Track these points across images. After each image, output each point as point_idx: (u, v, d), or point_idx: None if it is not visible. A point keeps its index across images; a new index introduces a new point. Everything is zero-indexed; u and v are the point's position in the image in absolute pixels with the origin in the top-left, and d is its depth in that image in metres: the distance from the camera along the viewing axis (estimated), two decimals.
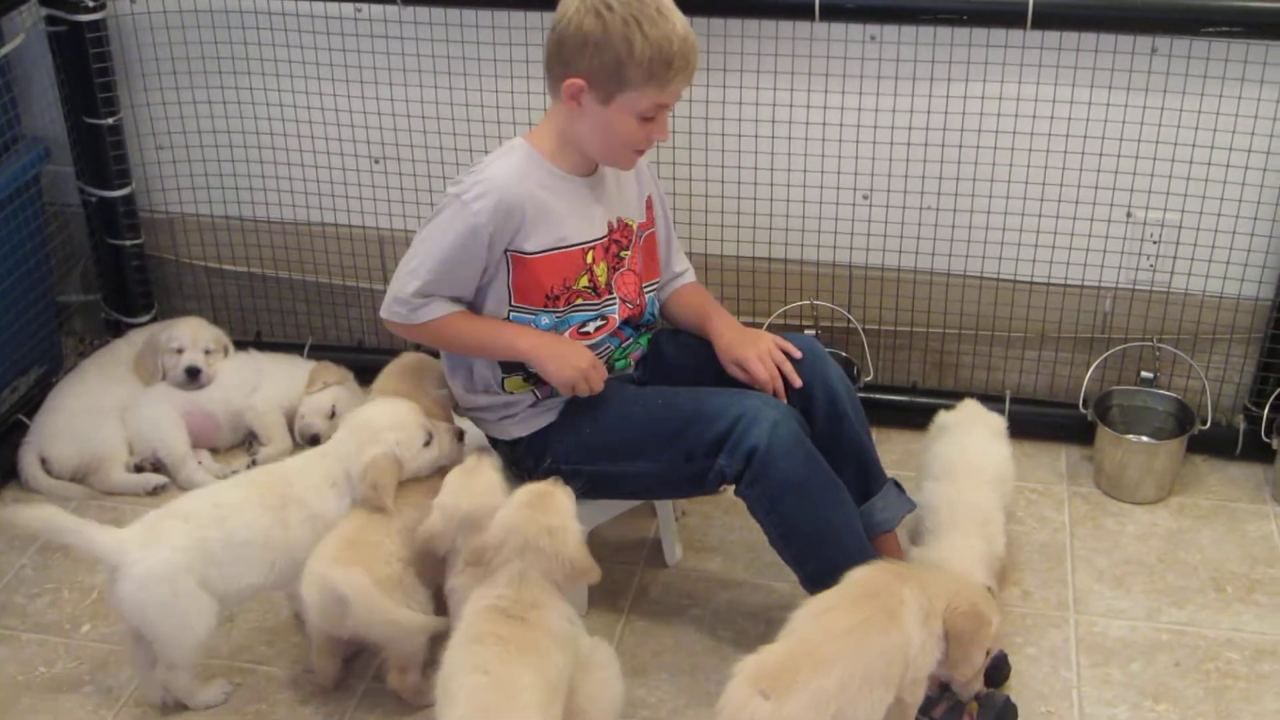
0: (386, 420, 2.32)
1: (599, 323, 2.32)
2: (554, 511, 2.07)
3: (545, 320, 2.28)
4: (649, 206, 2.41)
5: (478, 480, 2.21)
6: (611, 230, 2.32)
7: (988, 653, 2.08)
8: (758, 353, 2.32)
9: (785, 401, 2.29)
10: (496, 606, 1.99)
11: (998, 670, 2.26)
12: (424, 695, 2.21)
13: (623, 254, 2.34)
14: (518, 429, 2.36)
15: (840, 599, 2.00)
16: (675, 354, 2.46)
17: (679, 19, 2.15)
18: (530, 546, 2.03)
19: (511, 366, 2.31)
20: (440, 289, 2.24)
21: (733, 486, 2.23)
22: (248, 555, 2.21)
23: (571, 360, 2.24)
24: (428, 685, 2.20)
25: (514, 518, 2.06)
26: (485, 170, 2.22)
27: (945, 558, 2.30)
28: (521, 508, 2.07)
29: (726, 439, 2.17)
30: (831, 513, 2.19)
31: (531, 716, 1.87)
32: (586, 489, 2.31)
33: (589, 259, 2.28)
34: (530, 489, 2.10)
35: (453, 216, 2.20)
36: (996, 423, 2.60)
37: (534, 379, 2.31)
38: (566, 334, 2.29)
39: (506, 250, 2.22)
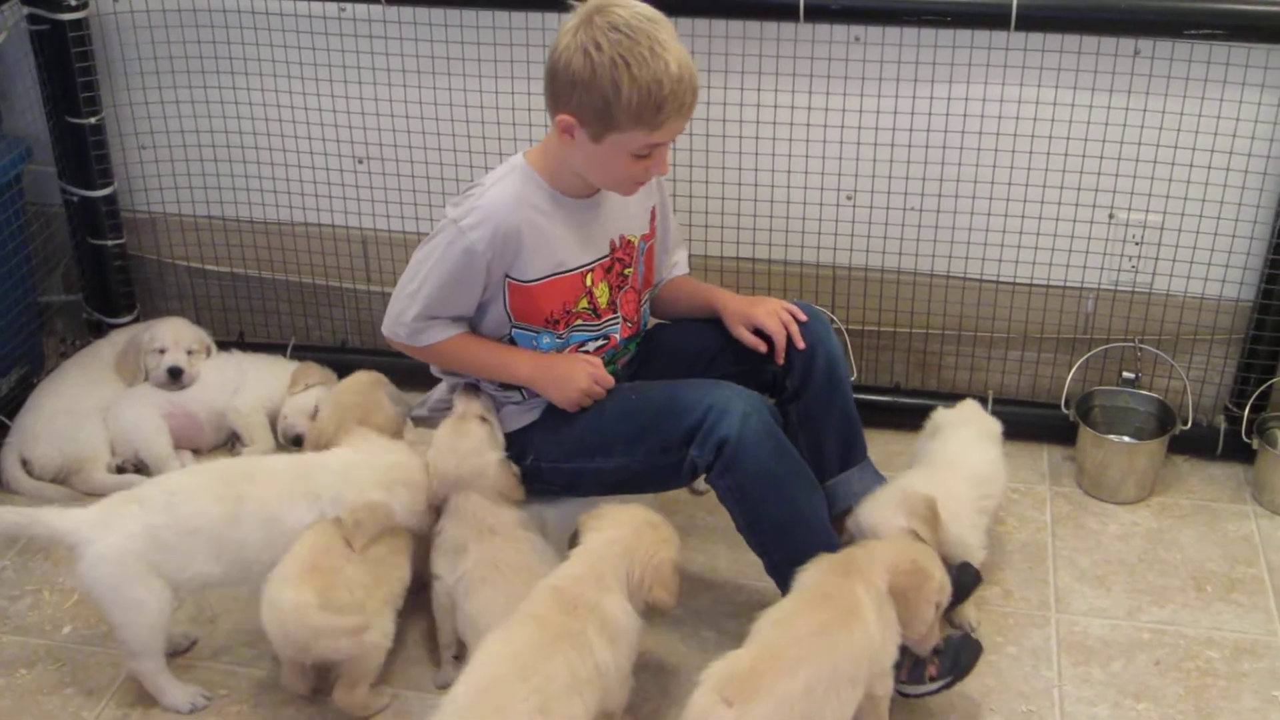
0: (406, 475, 2.32)
1: (600, 342, 2.33)
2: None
3: (546, 340, 2.28)
4: (652, 217, 2.40)
5: (466, 441, 2.28)
6: (614, 249, 2.31)
7: (938, 606, 2.08)
8: (767, 310, 2.35)
9: (783, 362, 2.32)
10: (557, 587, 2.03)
11: (963, 585, 2.25)
12: (370, 709, 2.21)
13: (626, 272, 2.34)
14: (501, 427, 2.36)
15: (798, 604, 2.01)
16: (664, 345, 2.46)
17: (674, 55, 2.05)
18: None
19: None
20: (441, 311, 2.25)
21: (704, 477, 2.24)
22: (195, 543, 2.18)
23: (571, 383, 2.26)
24: (374, 697, 2.21)
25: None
26: (482, 196, 2.20)
27: (865, 507, 2.27)
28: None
29: (697, 430, 2.17)
30: (800, 502, 2.20)
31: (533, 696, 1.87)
32: (570, 485, 2.33)
33: (587, 281, 2.28)
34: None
35: (449, 243, 2.19)
36: (990, 425, 2.59)
37: None
38: (567, 352, 2.30)
39: (505, 275, 2.22)
